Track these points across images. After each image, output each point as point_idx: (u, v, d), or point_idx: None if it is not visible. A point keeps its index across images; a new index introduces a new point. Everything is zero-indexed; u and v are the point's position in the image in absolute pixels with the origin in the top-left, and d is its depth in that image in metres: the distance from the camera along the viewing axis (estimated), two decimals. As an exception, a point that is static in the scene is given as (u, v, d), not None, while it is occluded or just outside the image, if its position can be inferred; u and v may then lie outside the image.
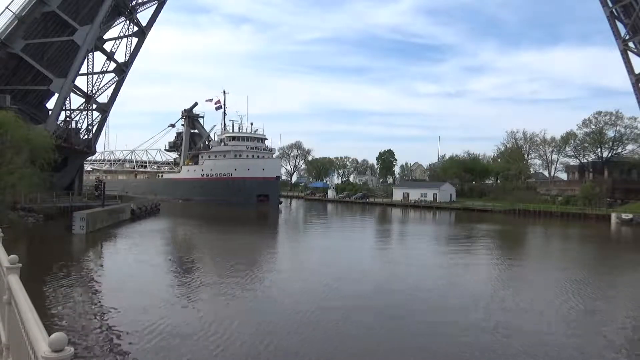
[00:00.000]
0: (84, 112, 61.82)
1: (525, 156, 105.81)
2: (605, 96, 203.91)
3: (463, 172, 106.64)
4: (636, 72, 67.62)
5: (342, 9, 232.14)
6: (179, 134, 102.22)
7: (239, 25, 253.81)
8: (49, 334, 2.75)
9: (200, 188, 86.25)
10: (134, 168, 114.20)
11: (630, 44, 67.66)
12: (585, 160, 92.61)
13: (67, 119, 58.42)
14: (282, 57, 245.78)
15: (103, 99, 62.51)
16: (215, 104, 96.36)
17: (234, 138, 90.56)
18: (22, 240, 31.22)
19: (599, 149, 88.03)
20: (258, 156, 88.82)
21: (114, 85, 62.49)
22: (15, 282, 4.26)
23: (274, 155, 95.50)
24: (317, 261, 28.54)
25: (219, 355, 12.34)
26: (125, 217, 47.62)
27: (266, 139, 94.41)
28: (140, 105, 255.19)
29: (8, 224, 29.04)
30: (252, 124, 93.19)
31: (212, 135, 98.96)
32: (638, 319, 17.44)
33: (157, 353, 12.29)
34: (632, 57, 68.07)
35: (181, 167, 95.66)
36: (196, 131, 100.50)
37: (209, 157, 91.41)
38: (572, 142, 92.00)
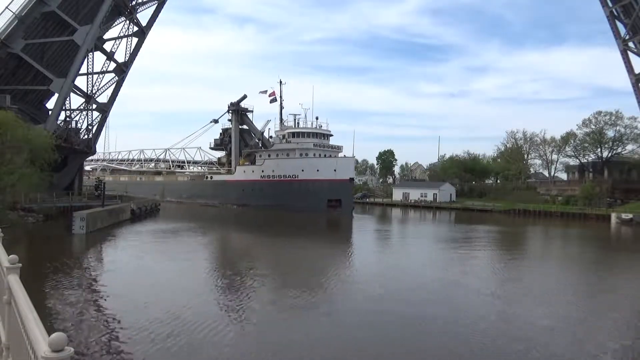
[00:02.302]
0: (84, 112, 61.74)
1: (525, 156, 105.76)
2: (607, 96, 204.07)
3: (463, 172, 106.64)
4: (636, 72, 67.59)
5: (346, 10, 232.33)
6: (225, 131, 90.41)
7: (242, 25, 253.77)
8: (49, 334, 2.75)
9: (260, 192, 75.21)
10: (169, 168, 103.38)
11: (630, 44, 67.63)
12: (585, 160, 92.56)
13: (67, 119, 58.33)
14: (285, 57, 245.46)
15: (103, 99, 62.53)
16: (270, 96, 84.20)
17: (297, 134, 78.25)
18: (22, 240, 31.26)
19: (599, 149, 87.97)
20: (325, 155, 77.58)
21: (114, 85, 62.40)
22: (15, 282, 4.26)
23: (340, 154, 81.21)
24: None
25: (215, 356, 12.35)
26: (125, 217, 47.68)
27: (332, 135, 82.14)
28: (142, 105, 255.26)
29: (8, 224, 29.02)
30: (317, 118, 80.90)
31: (266, 132, 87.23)
32: None
33: (158, 353, 12.29)
34: (632, 57, 68.07)
35: (235, 168, 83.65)
36: (245, 127, 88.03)
37: (269, 155, 79.34)
38: (572, 142, 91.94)
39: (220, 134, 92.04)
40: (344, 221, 60.52)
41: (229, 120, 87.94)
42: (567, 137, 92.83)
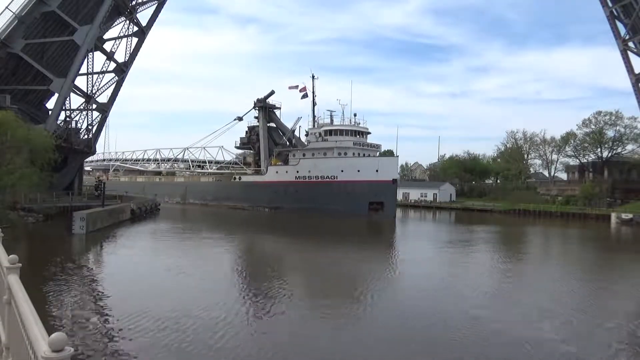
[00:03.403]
0: (84, 112, 61.77)
1: (525, 156, 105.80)
2: (609, 96, 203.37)
3: (463, 172, 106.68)
4: (636, 72, 67.61)
5: (349, 10, 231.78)
6: (251, 129, 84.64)
7: (245, 25, 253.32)
8: (49, 334, 2.76)
9: (294, 194, 69.65)
10: (189, 168, 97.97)
11: (630, 44, 67.65)
12: (585, 160, 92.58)
13: (67, 119, 58.35)
14: (287, 57, 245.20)
15: (103, 99, 62.57)
16: (301, 91, 78.27)
17: (335, 132, 72.46)
18: (22, 240, 31.23)
19: (599, 149, 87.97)
20: (364, 154, 72.40)
21: (114, 85, 62.42)
22: (15, 282, 4.27)
23: (379, 153, 75.39)
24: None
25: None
26: (125, 217, 47.68)
27: (369, 132, 75.96)
28: (142, 106, 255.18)
29: (8, 224, 29.04)
30: (355, 114, 74.74)
31: (297, 130, 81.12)
32: None
33: (157, 353, 12.29)
34: (632, 57, 68.08)
35: (266, 168, 77.48)
36: (272, 125, 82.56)
37: (304, 155, 73.93)
38: (572, 142, 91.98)
39: (246, 132, 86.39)
40: (387, 225, 56.51)
41: (256, 117, 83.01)
42: (567, 137, 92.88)
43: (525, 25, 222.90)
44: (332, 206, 64.00)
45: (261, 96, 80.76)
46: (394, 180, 67.49)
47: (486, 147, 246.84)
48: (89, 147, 61.87)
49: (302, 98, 79.16)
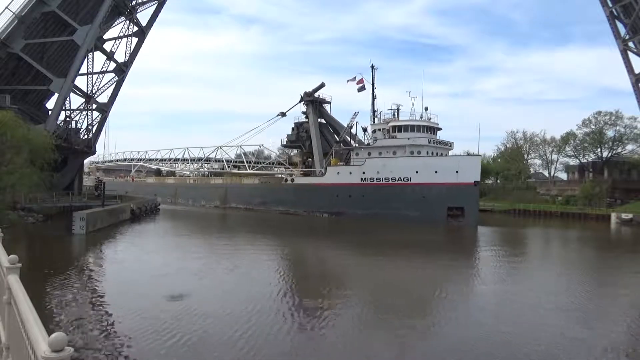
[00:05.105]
0: (84, 112, 61.79)
1: (525, 156, 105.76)
2: (612, 96, 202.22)
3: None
4: (636, 72, 67.59)
5: (352, 10, 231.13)
6: (299, 125, 76.77)
7: (247, 26, 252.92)
8: (49, 334, 2.75)
9: (360, 198, 61.61)
10: (223, 168, 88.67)
11: (630, 44, 67.64)
12: (585, 160, 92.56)
13: (67, 119, 58.35)
14: (290, 57, 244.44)
15: (103, 99, 62.59)
16: (358, 83, 70.82)
17: (404, 128, 63.57)
18: (22, 240, 31.24)
19: (599, 149, 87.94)
20: (437, 153, 63.31)
21: (113, 85, 62.46)
22: (15, 282, 4.27)
23: (451, 152, 66.54)
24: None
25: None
26: (125, 217, 47.72)
27: (440, 129, 66.42)
28: (144, 106, 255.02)
29: (8, 224, 29.03)
30: (426, 108, 65.17)
31: (354, 127, 73.06)
32: None
33: (157, 353, 12.28)
34: (632, 57, 68.04)
35: (325, 169, 68.53)
36: (322, 120, 74.95)
37: (369, 154, 65.49)
38: (572, 142, 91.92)
39: (293, 128, 78.21)
40: (469, 235, 48.68)
41: (303, 112, 76.01)
42: (567, 137, 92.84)
43: (528, 25, 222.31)
44: (405, 212, 56.59)
45: (309, 89, 74.70)
46: (476, 183, 58.80)
47: (486, 147, 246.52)
48: (89, 147, 61.88)
49: (359, 91, 71.63)
